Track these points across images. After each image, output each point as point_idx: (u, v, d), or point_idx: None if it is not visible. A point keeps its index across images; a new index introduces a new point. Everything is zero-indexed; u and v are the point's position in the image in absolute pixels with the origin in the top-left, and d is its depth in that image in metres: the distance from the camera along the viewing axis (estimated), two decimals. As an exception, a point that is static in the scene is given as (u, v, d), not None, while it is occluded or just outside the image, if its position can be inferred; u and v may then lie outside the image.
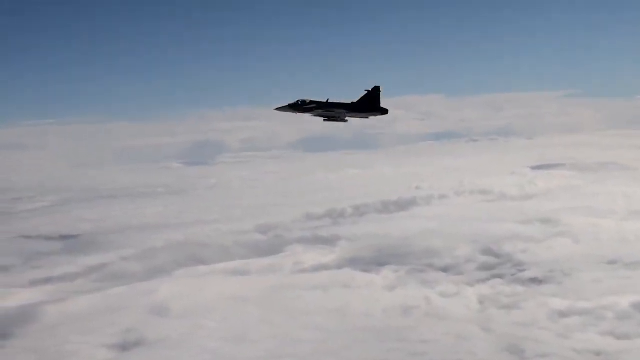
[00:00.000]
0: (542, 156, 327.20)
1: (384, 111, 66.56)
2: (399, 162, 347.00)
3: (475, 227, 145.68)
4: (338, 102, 66.03)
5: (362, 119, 67.95)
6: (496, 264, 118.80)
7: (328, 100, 65.68)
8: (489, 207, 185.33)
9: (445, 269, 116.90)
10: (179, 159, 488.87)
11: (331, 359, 78.45)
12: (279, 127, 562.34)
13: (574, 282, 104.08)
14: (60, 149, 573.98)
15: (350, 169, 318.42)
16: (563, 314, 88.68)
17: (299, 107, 65.42)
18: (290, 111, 65.71)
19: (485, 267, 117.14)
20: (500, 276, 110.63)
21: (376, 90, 65.93)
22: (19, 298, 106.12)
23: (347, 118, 67.46)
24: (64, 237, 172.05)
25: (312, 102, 65.22)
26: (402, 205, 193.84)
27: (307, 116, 66.40)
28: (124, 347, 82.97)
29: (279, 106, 65.93)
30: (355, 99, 66.20)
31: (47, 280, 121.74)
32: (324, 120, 67.48)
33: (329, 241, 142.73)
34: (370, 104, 65.84)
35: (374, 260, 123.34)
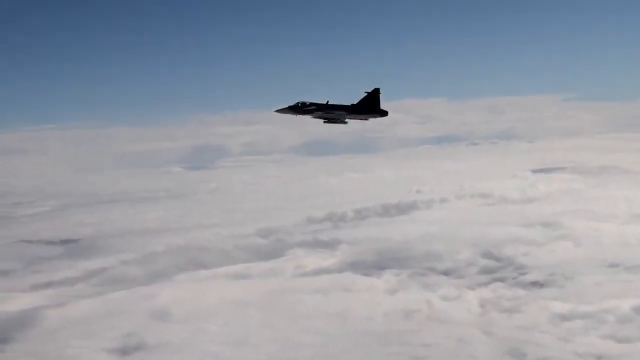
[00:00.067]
0: (543, 159, 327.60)
1: (384, 113, 66.67)
2: (400, 166, 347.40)
3: (476, 231, 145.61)
4: (338, 104, 66.21)
5: (362, 121, 68.11)
6: (497, 267, 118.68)
7: (328, 102, 65.86)
8: (489, 210, 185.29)
9: (446, 273, 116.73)
10: (180, 163, 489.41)
11: (332, 362, 78.37)
12: (279, 131, 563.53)
13: (576, 286, 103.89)
14: (61, 154, 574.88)
15: (351, 173, 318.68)
16: (564, 318, 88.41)
17: (299, 108, 65.56)
18: (290, 113, 65.85)
19: (486, 271, 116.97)
20: (501, 280, 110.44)
21: (376, 92, 66.08)
22: (20, 302, 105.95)
23: (346, 120, 67.60)
24: (64, 242, 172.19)
25: (312, 104, 65.36)
26: (403, 208, 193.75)
27: (307, 118, 66.52)
28: (124, 351, 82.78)
29: (279, 108, 66.08)
30: (355, 101, 66.38)
31: (48, 285, 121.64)
32: (324, 122, 67.63)
33: (330, 245, 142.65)
34: (369, 106, 66.00)
35: (375, 263, 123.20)
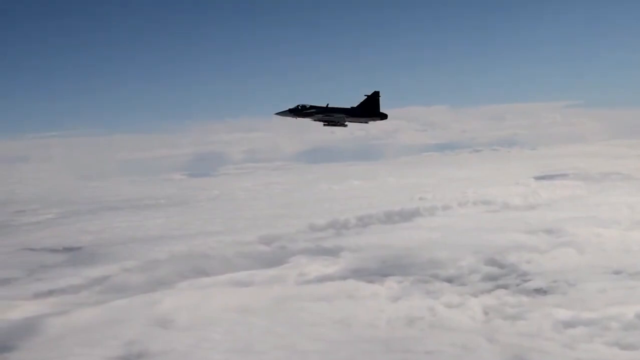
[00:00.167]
0: (545, 166, 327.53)
1: (383, 116, 66.88)
2: (403, 173, 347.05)
3: (479, 238, 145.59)
4: (338, 107, 66.50)
5: (365, 127, 68.34)
6: (500, 274, 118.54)
7: (328, 105, 66.11)
8: (492, 217, 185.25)
9: (449, 280, 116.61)
10: (182, 170, 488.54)
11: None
12: (282, 138, 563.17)
13: (579, 292, 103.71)
14: (64, 162, 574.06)
15: (354, 180, 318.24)
16: (568, 325, 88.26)
17: (299, 111, 65.87)
18: (290, 116, 66.12)
19: (489, 278, 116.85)
20: (504, 286, 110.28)
21: (375, 95, 66.32)
22: (23, 310, 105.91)
23: (346, 122, 67.84)
24: (67, 249, 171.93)
25: (312, 107, 65.68)
26: (406, 215, 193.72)
27: (307, 121, 66.79)
28: (127, 359, 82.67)
29: (279, 111, 66.32)
30: (355, 105, 66.66)
31: (51, 293, 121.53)
32: (324, 124, 67.84)
33: (333, 252, 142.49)
34: (369, 109, 66.25)
35: (378, 270, 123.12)
